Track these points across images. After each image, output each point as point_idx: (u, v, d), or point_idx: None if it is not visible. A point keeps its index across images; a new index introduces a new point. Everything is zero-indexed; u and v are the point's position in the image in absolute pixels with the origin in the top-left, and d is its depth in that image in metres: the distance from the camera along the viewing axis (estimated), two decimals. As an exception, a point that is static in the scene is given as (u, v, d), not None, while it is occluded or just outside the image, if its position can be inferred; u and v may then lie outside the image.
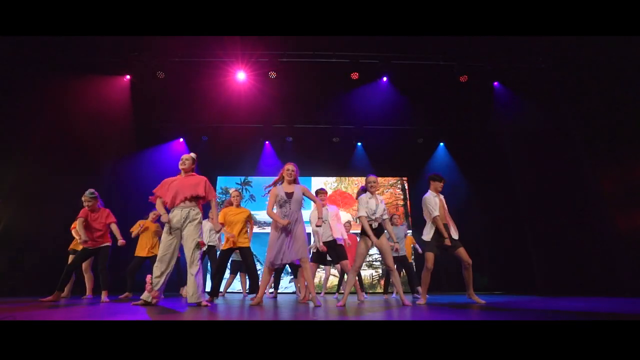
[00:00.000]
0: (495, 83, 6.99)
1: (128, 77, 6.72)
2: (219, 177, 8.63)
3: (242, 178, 8.67)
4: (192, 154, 3.52)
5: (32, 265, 5.08)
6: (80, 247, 4.18)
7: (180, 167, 3.40)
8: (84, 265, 4.56)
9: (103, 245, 4.11)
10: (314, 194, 3.91)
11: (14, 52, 5.09)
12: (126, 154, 7.37)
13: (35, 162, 5.37)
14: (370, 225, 3.43)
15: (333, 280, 7.81)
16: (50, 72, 5.66)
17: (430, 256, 3.73)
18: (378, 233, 3.46)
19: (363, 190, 3.65)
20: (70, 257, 4.69)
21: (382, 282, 7.82)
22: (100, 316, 2.03)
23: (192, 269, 3.11)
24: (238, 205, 4.46)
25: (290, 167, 3.44)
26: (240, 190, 8.43)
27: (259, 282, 3.81)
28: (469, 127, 8.14)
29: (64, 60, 5.89)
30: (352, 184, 8.79)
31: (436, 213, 3.76)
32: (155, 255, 5.05)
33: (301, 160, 8.41)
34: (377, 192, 3.60)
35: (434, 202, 3.83)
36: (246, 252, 4.16)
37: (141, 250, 5.09)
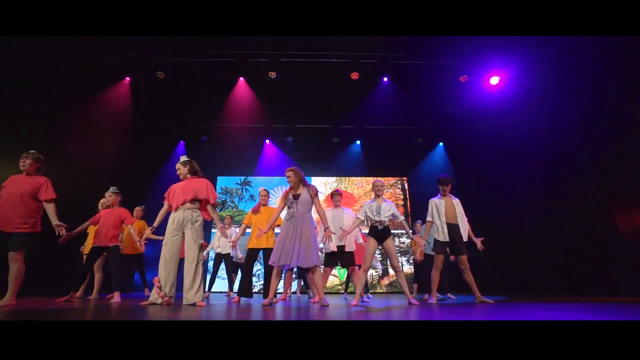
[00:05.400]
0: (494, 81, 6.98)
1: (128, 79, 6.74)
2: (219, 177, 8.62)
3: (242, 178, 8.66)
4: (182, 157, 3.46)
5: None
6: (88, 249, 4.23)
7: (178, 175, 3.43)
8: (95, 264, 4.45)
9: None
10: (330, 196, 4.41)
11: (15, 53, 5.07)
12: (126, 154, 7.35)
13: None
14: (376, 227, 3.55)
15: (333, 280, 7.82)
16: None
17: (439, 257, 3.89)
18: (383, 235, 3.53)
19: None
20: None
21: (382, 281, 7.83)
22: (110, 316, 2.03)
23: (192, 269, 3.16)
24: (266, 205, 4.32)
25: (287, 174, 3.37)
26: (240, 190, 8.45)
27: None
28: (469, 127, 8.14)
29: (63, 61, 5.88)
30: (352, 183, 8.78)
31: (429, 218, 4.07)
32: (140, 254, 5.09)
33: (301, 160, 8.47)
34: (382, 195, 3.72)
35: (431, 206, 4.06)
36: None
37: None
